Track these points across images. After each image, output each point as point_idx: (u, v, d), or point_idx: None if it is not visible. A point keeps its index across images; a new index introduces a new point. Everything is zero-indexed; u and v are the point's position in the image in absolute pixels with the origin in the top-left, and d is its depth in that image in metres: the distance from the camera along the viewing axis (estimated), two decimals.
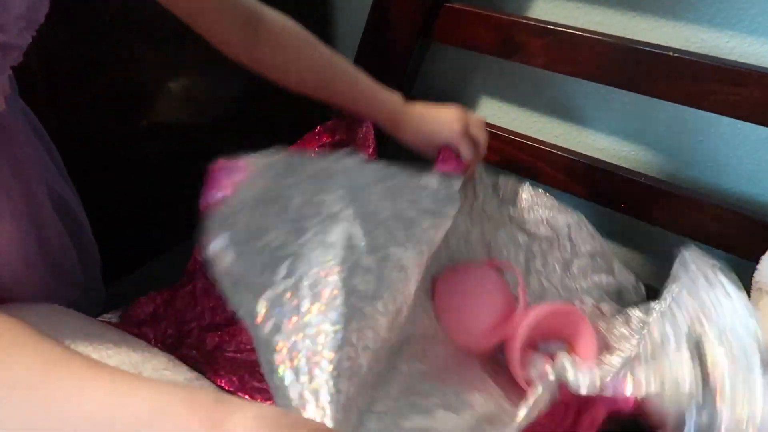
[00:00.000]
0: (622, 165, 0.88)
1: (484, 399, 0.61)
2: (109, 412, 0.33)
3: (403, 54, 0.96)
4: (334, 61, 0.71)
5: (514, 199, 0.86)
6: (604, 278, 0.82)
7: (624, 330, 0.77)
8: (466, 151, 0.75)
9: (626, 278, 0.83)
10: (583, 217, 0.83)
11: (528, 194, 0.84)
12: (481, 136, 0.77)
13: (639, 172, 0.86)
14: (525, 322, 0.71)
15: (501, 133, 0.94)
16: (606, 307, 0.79)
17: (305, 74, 0.70)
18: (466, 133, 0.75)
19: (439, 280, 0.79)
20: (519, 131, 0.95)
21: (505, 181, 0.84)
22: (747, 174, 0.82)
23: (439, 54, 1.03)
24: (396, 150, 0.96)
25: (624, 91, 0.80)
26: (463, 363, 0.70)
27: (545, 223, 0.84)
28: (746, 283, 0.71)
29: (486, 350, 0.75)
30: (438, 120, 0.76)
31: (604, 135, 0.93)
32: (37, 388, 0.33)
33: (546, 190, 0.90)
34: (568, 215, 0.83)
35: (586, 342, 0.74)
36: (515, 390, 0.71)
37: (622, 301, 0.80)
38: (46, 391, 0.33)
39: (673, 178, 0.88)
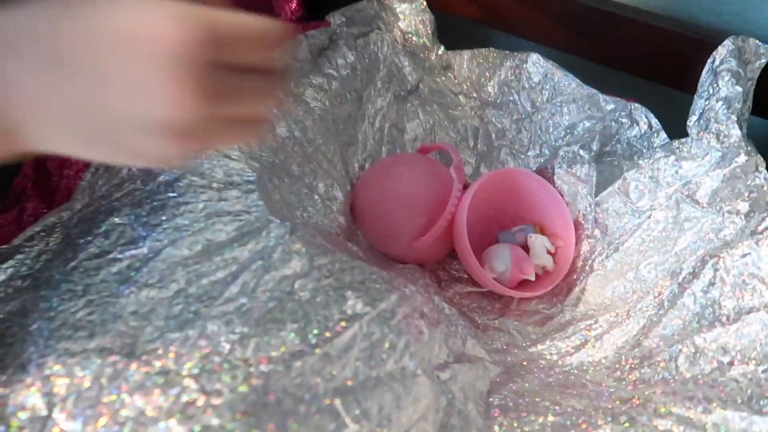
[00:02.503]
0: (647, 10, 0.65)
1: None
2: None
3: None
4: None
5: (454, 67, 0.73)
6: (588, 123, 0.64)
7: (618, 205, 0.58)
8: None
9: (626, 114, 0.63)
10: (539, 56, 0.67)
11: (470, 57, 0.72)
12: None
13: (671, 18, 0.63)
14: (462, 202, 0.57)
15: None
16: (584, 164, 0.61)
17: None
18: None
19: (358, 182, 0.64)
20: None
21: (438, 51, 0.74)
22: None
23: None
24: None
25: None
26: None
27: (497, 83, 0.70)
28: None
29: (424, 256, 0.61)
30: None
31: None
32: None
33: (541, 50, 0.67)
34: (525, 62, 0.68)
35: (556, 212, 0.61)
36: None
37: (629, 146, 0.62)
38: None
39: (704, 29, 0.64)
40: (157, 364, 0.36)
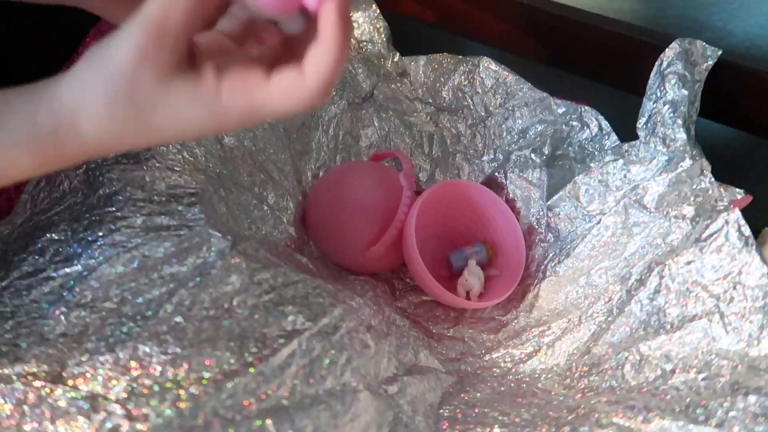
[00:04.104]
0: (600, 14, 0.65)
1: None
2: None
3: None
4: None
5: (410, 74, 0.72)
6: (540, 127, 0.63)
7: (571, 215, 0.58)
8: None
9: (577, 117, 0.62)
10: (491, 60, 0.67)
11: (426, 62, 0.71)
12: None
13: (623, 23, 0.63)
14: (412, 209, 0.57)
15: None
16: (536, 168, 0.61)
17: None
18: None
19: (311, 192, 0.63)
20: None
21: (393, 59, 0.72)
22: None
23: None
24: None
25: None
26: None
27: (451, 88, 0.69)
28: None
29: (378, 266, 0.62)
30: None
31: None
32: None
33: (495, 54, 0.66)
34: (477, 66, 0.68)
35: (508, 229, 0.61)
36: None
37: (581, 148, 0.61)
38: None
39: (656, 33, 0.64)
40: (85, 388, 0.35)
